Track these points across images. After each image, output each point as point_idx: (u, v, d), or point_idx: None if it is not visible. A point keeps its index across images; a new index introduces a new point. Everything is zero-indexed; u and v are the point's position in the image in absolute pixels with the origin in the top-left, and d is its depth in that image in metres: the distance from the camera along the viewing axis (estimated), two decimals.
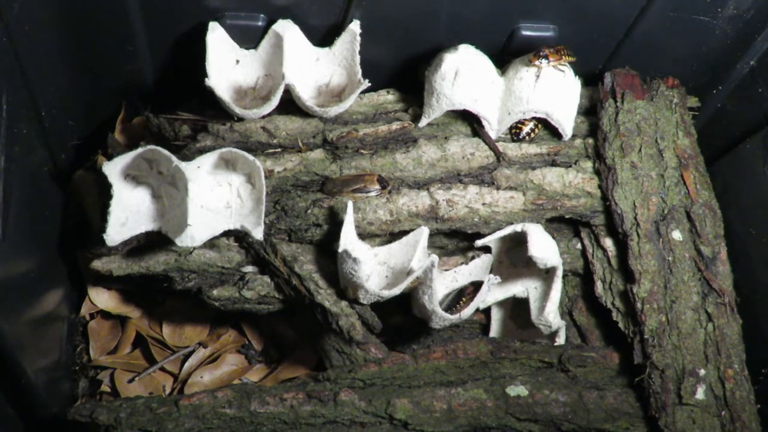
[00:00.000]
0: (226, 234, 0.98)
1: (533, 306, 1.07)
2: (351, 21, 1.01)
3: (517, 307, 1.12)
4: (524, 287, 1.08)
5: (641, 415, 0.97)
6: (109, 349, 1.16)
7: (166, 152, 0.94)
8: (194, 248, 0.99)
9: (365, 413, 0.94)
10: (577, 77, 1.06)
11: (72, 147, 1.14)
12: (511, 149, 1.05)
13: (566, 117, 1.05)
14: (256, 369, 1.18)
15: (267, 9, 1.01)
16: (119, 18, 0.99)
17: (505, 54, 1.06)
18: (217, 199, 1.00)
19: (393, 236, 1.02)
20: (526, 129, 1.04)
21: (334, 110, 1.03)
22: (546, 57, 1.00)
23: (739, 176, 1.08)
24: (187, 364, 1.16)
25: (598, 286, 1.05)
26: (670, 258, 0.99)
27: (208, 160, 0.98)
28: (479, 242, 1.03)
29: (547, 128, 1.07)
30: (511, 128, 1.06)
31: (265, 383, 1.12)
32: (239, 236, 1.01)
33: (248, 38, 1.04)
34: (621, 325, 1.01)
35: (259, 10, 1.02)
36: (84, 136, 1.16)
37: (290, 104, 1.04)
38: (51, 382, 1.05)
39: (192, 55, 1.02)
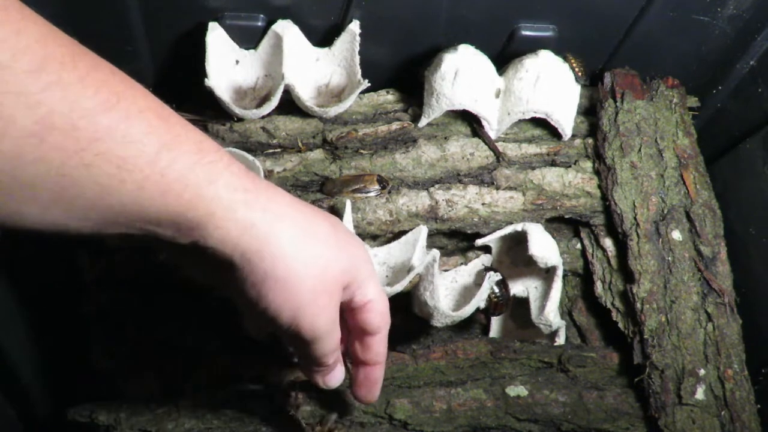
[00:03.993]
0: None
1: (533, 305, 1.07)
2: (351, 21, 1.01)
3: (517, 307, 1.12)
4: (524, 287, 1.08)
5: (641, 415, 0.97)
6: (110, 349, 1.16)
7: None
8: None
9: (364, 413, 0.94)
10: None
11: None
12: (511, 149, 1.05)
13: (566, 117, 1.05)
14: None
15: (267, 9, 1.01)
16: (119, 18, 0.99)
17: (505, 54, 1.06)
18: None
19: (393, 236, 1.02)
20: None
21: (333, 110, 1.03)
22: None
23: (739, 176, 1.08)
24: None
25: (598, 286, 1.05)
26: (669, 258, 0.99)
27: None
28: (479, 242, 1.03)
29: (547, 128, 1.07)
30: None
31: None
32: None
33: (248, 38, 1.04)
34: (621, 325, 1.01)
35: (258, 10, 1.02)
36: None
37: (290, 104, 1.04)
38: (51, 382, 1.05)
39: (192, 55, 1.02)
